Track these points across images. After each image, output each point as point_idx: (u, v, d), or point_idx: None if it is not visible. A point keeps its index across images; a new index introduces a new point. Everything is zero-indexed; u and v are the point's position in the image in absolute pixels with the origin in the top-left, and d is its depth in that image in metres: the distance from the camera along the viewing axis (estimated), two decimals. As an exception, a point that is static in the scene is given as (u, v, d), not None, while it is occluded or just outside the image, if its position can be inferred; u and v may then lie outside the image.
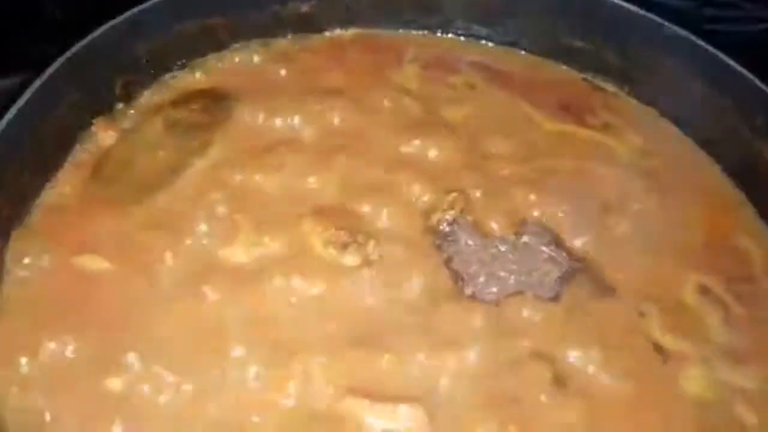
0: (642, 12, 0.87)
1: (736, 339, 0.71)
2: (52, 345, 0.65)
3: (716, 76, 0.84)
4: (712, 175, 0.85)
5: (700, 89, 0.85)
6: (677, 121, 0.89)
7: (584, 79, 0.93)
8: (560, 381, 0.66)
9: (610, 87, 0.92)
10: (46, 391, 0.63)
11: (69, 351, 0.65)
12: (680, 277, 0.75)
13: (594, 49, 0.92)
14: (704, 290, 0.74)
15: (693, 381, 0.67)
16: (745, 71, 0.81)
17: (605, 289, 0.73)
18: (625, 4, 0.88)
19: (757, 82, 0.80)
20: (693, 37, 0.85)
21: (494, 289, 0.72)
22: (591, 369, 0.67)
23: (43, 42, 0.86)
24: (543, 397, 0.64)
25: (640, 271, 0.74)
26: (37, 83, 0.72)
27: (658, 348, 0.69)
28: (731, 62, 0.82)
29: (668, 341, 0.69)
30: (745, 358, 0.69)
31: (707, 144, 0.86)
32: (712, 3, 1.07)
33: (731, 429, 0.65)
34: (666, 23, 0.86)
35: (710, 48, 0.83)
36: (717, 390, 0.67)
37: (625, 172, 0.83)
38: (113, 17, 0.79)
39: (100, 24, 0.79)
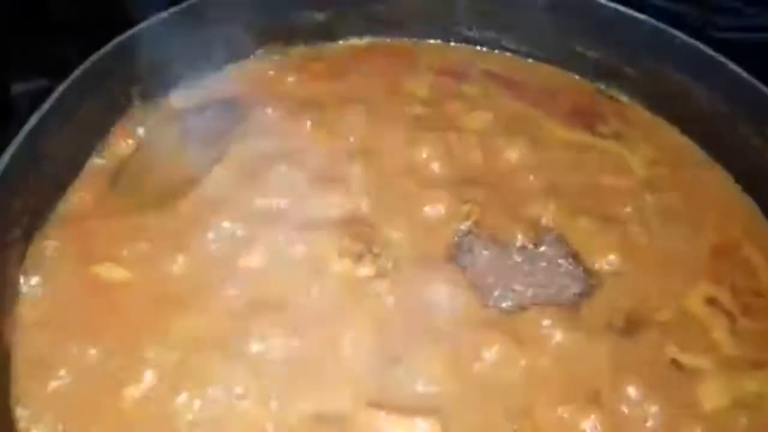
0: (653, 21, 0.88)
1: (744, 351, 0.70)
2: (71, 354, 0.65)
3: (726, 85, 0.84)
4: (722, 184, 0.85)
5: (711, 99, 0.86)
6: (688, 131, 0.89)
7: (596, 89, 0.93)
8: (578, 395, 0.66)
9: (622, 96, 0.93)
10: (66, 401, 0.63)
11: (88, 360, 0.65)
12: (690, 288, 0.75)
13: (605, 58, 0.92)
14: (712, 301, 0.74)
15: (713, 395, 0.67)
16: (754, 80, 0.81)
17: (622, 303, 0.72)
18: (636, 14, 0.88)
19: (766, 90, 0.80)
20: (702, 47, 0.85)
21: (510, 302, 0.72)
22: (608, 383, 0.67)
23: (59, 48, 0.87)
24: (558, 411, 0.64)
25: (653, 282, 0.74)
26: (56, 93, 0.73)
27: (676, 363, 0.69)
28: (741, 71, 0.82)
29: (683, 356, 0.69)
30: (758, 366, 0.70)
31: (718, 153, 0.87)
32: (719, 10, 1.06)
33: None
34: (676, 33, 0.86)
35: (720, 57, 0.84)
36: (737, 400, 0.67)
37: (638, 182, 0.83)
38: (129, 23, 0.80)
39: (118, 32, 0.79)
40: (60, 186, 0.77)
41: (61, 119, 0.74)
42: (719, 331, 0.72)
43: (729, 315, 0.73)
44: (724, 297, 0.74)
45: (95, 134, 0.80)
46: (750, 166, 0.83)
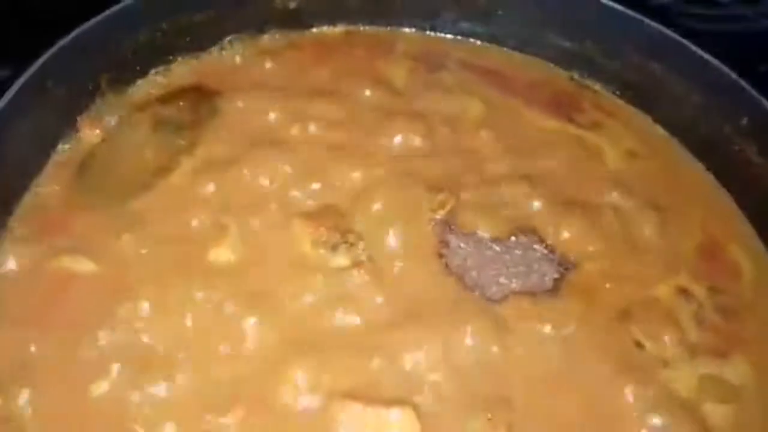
0: (627, 11, 0.87)
1: (706, 339, 0.71)
2: (35, 347, 0.64)
3: (700, 75, 0.84)
4: (700, 177, 0.85)
5: (686, 89, 0.86)
6: (664, 122, 0.89)
7: (572, 78, 0.93)
8: (553, 381, 0.66)
9: (599, 87, 0.92)
10: (31, 396, 0.62)
11: (53, 354, 0.64)
12: (665, 279, 0.75)
13: (581, 48, 0.92)
14: (685, 294, 0.74)
15: (680, 382, 0.68)
16: (728, 70, 0.81)
17: (595, 289, 0.73)
18: (613, 4, 0.88)
19: (740, 81, 0.80)
20: (677, 37, 0.85)
21: (494, 294, 0.71)
22: (581, 370, 0.67)
23: (26, 35, 0.84)
24: (534, 397, 0.65)
25: (627, 272, 0.74)
26: (21, 81, 0.71)
27: (641, 346, 0.69)
28: (716, 61, 0.82)
29: (648, 342, 0.70)
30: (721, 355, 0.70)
31: (693, 145, 0.87)
32: (695, 0, 1.07)
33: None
34: (652, 23, 0.86)
35: (695, 47, 0.84)
36: (695, 388, 0.68)
37: (614, 171, 0.83)
38: (98, 12, 0.78)
39: (84, 19, 0.77)
40: (25, 176, 0.75)
41: (25, 108, 0.72)
42: (684, 316, 0.72)
43: (698, 304, 0.73)
44: (699, 292, 0.74)
45: (62, 124, 0.78)
46: (724, 157, 0.84)
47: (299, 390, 0.63)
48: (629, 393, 0.66)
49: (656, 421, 0.65)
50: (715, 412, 0.66)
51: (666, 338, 0.70)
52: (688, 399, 0.67)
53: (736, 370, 0.69)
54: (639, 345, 0.69)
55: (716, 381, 0.68)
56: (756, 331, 0.72)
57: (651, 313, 0.72)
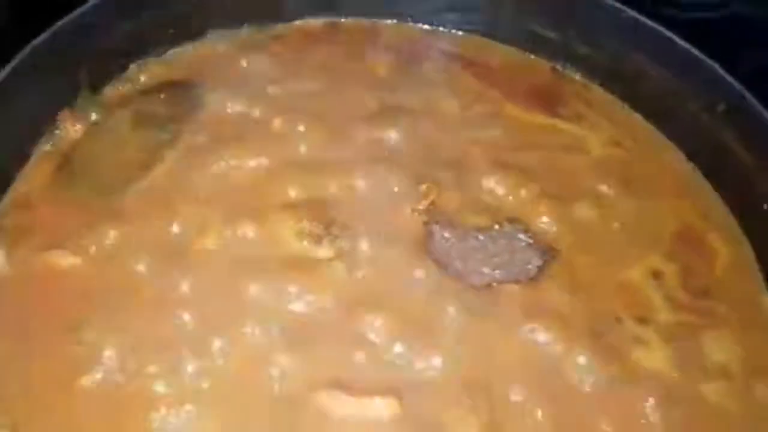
0: (607, 0, 0.87)
1: (678, 317, 0.72)
2: (22, 341, 0.64)
3: (677, 63, 0.84)
4: (680, 165, 0.86)
5: (664, 77, 0.86)
6: (644, 110, 0.89)
7: (553, 69, 0.93)
8: (535, 369, 0.67)
9: (580, 77, 0.93)
10: (18, 394, 0.62)
11: (40, 348, 0.64)
12: (642, 261, 0.76)
13: (563, 39, 0.92)
14: (656, 275, 0.75)
15: (653, 360, 0.69)
16: (703, 56, 0.82)
17: (577, 276, 0.74)
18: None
19: (716, 66, 0.81)
20: (653, 23, 0.85)
21: (475, 278, 0.72)
22: (560, 356, 0.68)
23: (3, 31, 0.84)
24: (516, 384, 0.65)
25: (608, 258, 0.75)
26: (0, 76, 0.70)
27: (620, 327, 0.71)
28: (690, 47, 0.83)
29: (627, 323, 0.71)
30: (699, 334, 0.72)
31: (673, 133, 0.87)
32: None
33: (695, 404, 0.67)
34: (630, 11, 0.86)
35: (669, 33, 0.84)
36: (676, 367, 0.69)
37: (596, 162, 0.84)
38: (77, 6, 0.78)
39: (63, 13, 0.77)
40: (7, 174, 0.74)
41: (4, 104, 0.71)
42: (657, 302, 0.73)
43: (671, 284, 0.74)
44: (670, 271, 0.75)
45: (42, 120, 0.78)
46: (704, 145, 0.84)
47: (282, 379, 0.64)
48: (612, 376, 0.67)
49: (649, 403, 0.66)
50: (702, 389, 0.68)
51: (644, 318, 0.71)
52: (672, 377, 0.68)
53: (714, 348, 0.70)
54: (618, 326, 0.70)
55: (697, 360, 0.69)
56: (729, 311, 0.73)
57: (629, 294, 0.73)
